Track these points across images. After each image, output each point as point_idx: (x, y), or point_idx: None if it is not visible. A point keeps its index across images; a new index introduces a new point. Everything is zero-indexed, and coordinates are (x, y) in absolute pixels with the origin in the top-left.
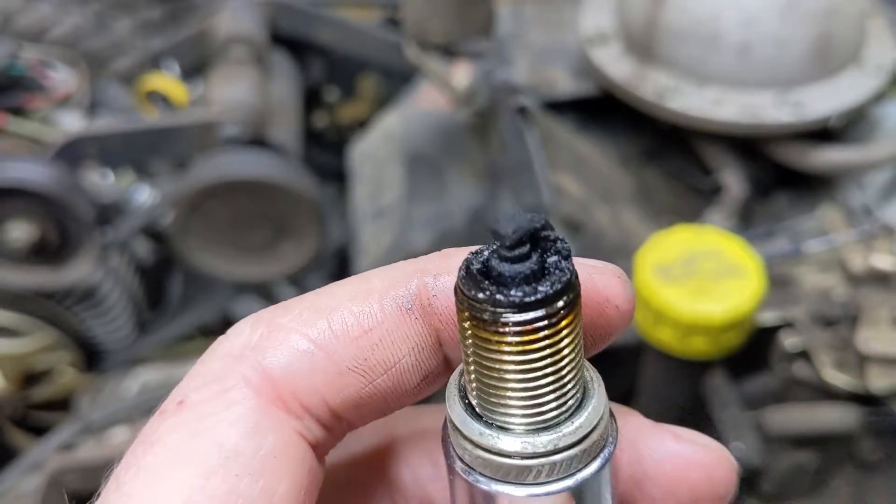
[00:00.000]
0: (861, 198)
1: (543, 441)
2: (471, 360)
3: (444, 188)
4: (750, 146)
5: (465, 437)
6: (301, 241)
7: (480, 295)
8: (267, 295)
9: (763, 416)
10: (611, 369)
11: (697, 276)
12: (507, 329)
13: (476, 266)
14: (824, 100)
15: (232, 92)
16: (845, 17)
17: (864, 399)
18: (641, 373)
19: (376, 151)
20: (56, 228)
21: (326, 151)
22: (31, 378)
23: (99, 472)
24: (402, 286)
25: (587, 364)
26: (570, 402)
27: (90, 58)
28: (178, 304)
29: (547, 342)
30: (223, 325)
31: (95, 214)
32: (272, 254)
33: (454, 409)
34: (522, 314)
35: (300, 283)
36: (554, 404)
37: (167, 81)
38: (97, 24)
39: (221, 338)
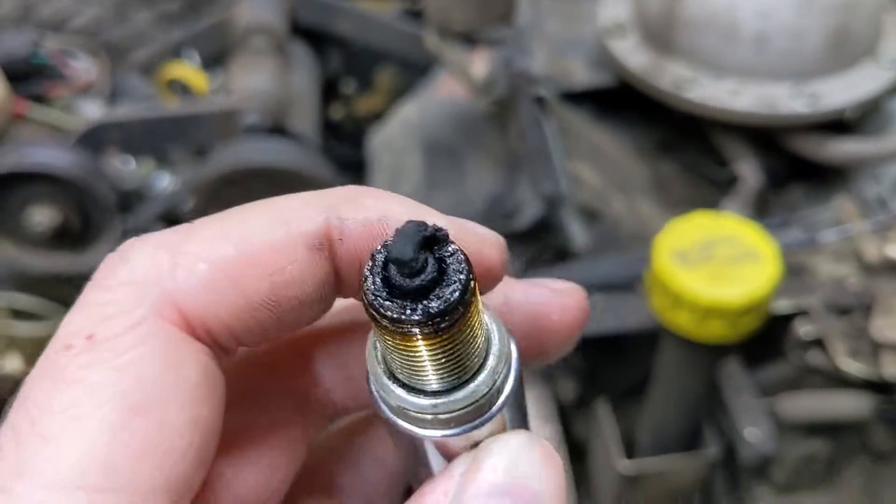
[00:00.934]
0: (876, 189)
1: (438, 403)
2: (381, 341)
3: (462, 176)
4: (766, 137)
5: (386, 396)
6: None
7: (383, 310)
8: None
9: (777, 404)
10: (626, 354)
11: (715, 261)
12: (411, 335)
13: (378, 277)
14: (840, 92)
15: (252, 81)
16: (862, 10)
17: (879, 387)
18: (658, 358)
19: (395, 140)
20: (78, 213)
21: (343, 143)
22: None
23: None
24: (313, 223)
25: (489, 319)
26: (469, 368)
27: (111, 48)
28: None
29: (447, 337)
30: None
31: (116, 200)
32: None
33: (375, 371)
34: (423, 327)
35: None
36: (452, 373)
37: (188, 70)
38: (117, 14)
39: (117, 260)
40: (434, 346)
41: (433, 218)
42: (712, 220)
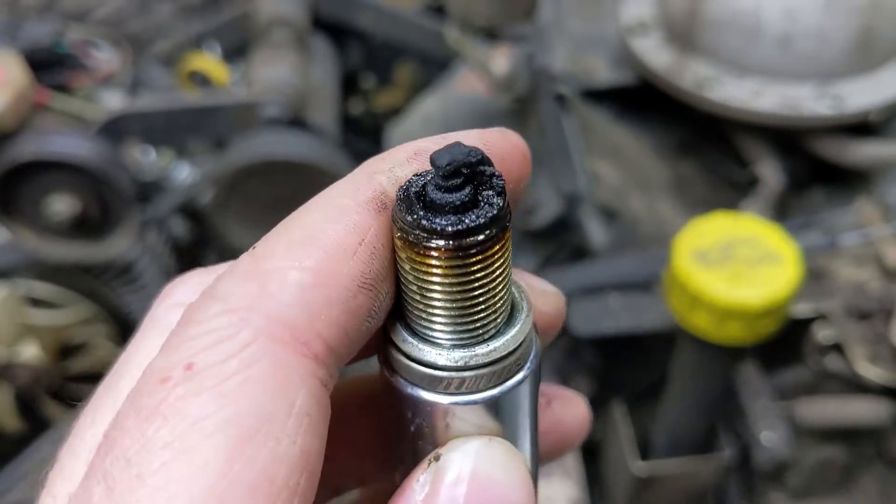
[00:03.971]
0: None
1: (456, 357)
2: (402, 274)
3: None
4: (787, 139)
5: (393, 344)
6: None
7: (409, 218)
8: None
9: (794, 408)
10: (643, 355)
11: (734, 262)
12: (430, 253)
13: (414, 189)
14: (865, 94)
15: (273, 73)
16: (888, 11)
17: None
18: (674, 359)
19: (415, 135)
20: (97, 203)
21: (361, 138)
22: (67, 350)
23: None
24: (369, 188)
25: (519, 291)
26: (489, 324)
27: (133, 39)
28: None
29: (469, 269)
30: None
31: (136, 191)
32: None
33: (393, 326)
34: (445, 241)
35: None
36: (471, 325)
37: (209, 62)
38: (140, 6)
39: (201, 302)
40: (458, 275)
41: None
42: (732, 220)
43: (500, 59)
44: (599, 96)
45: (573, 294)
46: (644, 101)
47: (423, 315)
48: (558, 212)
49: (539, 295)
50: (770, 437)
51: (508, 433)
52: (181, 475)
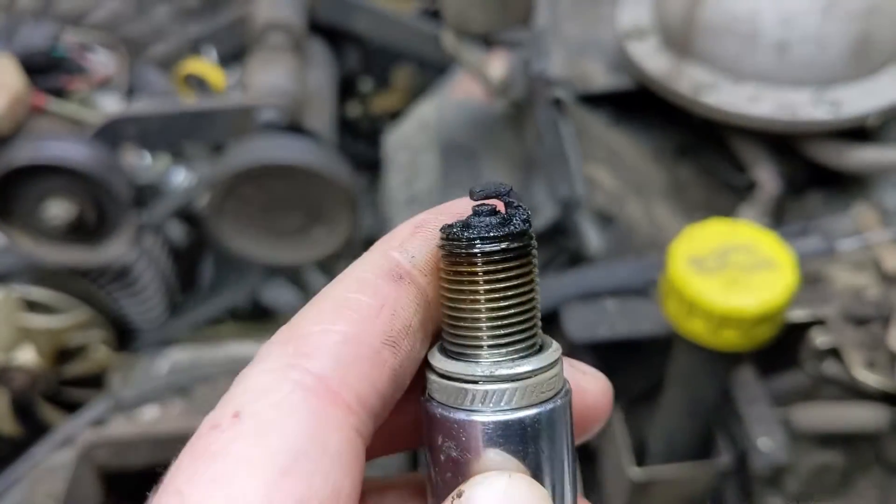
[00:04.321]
0: None
1: (483, 368)
2: (443, 298)
3: (478, 177)
4: (785, 144)
5: (428, 366)
6: (334, 227)
7: (456, 232)
8: (297, 280)
9: (791, 414)
10: (639, 360)
11: (731, 269)
12: (472, 260)
13: (458, 223)
14: (862, 99)
15: (269, 78)
16: (886, 16)
17: (895, 399)
18: (671, 364)
19: (411, 139)
20: (94, 207)
21: (359, 141)
22: (64, 354)
23: (129, 448)
24: (385, 263)
25: (550, 339)
26: (518, 342)
27: (129, 43)
28: (210, 287)
29: (502, 275)
30: (253, 308)
31: (132, 195)
32: (305, 239)
33: (433, 353)
34: (489, 244)
35: (330, 269)
36: (501, 339)
37: (205, 66)
38: (137, 9)
39: (247, 368)
40: (494, 280)
41: None
42: (729, 226)
43: (497, 64)
44: (596, 101)
45: (570, 300)
46: (641, 106)
47: (458, 333)
48: (555, 217)
49: (582, 376)
50: (767, 443)
51: (541, 467)
52: None
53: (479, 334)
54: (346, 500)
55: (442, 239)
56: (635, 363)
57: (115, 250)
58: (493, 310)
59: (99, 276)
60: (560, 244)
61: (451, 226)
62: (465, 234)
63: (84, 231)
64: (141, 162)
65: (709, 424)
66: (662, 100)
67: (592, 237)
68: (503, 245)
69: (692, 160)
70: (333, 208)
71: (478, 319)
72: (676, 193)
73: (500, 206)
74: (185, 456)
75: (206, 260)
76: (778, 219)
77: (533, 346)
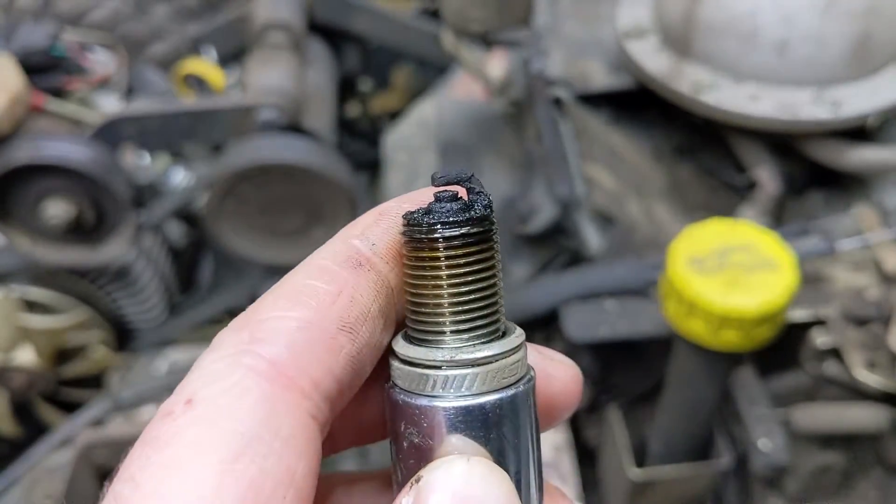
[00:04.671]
0: None
1: (443, 353)
2: (406, 285)
3: (478, 176)
4: (785, 143)
5: (392, 352)
6: (333, 226)
7: (417, 217)
8: None
9: (791, 414)
10: (639, 360)
11: (731, 269)
12: (434, 245)
13: (419, 209)
14: (862, 98)
15: (269, 77)
16: (886, 16)
17: (895, 399)
18: (671, 365)
19: (411, 139)
20: (93, 207)
21: (358, 141)
22: (63, 354)
23: (128, 448)
24: (345, 250)
25: (513, 325)
26: (480, 328)
27: (129, 42)
28: (209, 287)
29: (464, 259)
30: None
31: (132, 195)
32: (304, 238)
33: (397, 341)
34: (449, 229)
35: None
36: (463, 324)
37: (205, 65)
38: (136, 8)
39: (203, 354)
40: (455, 265)
41: None
42: (729, 227)
43: (496, 64)
44: (596, 100)
45: (569, 300)
46: (640, 105)
47: (421, 319)
48: (554, 217)
49: (549, 362)
50: (767, 444)
51: (504, 452)
52: (179, 489)
53: (442, 320)
54: (301, 482)
55: (403, 225)
56: (635, 363)
57: (114, 250)
58: (454, 295)
59: (98, 276)
60: (560, 244)
61: (412, 212)
62: (426, 219)
63: (83, 231)
64: (140, 162)
65: (709, 425)
66: (662, 99)
67: (592, 237)
68: (464, 230)
69: (692, 160)
70: (333, 208)
71: (440, 305)
72: (676, 193)
73: (463, 192)
74: (138, 444)
75: (206, 260)
76: (778, 219)
77: (496, 331)
